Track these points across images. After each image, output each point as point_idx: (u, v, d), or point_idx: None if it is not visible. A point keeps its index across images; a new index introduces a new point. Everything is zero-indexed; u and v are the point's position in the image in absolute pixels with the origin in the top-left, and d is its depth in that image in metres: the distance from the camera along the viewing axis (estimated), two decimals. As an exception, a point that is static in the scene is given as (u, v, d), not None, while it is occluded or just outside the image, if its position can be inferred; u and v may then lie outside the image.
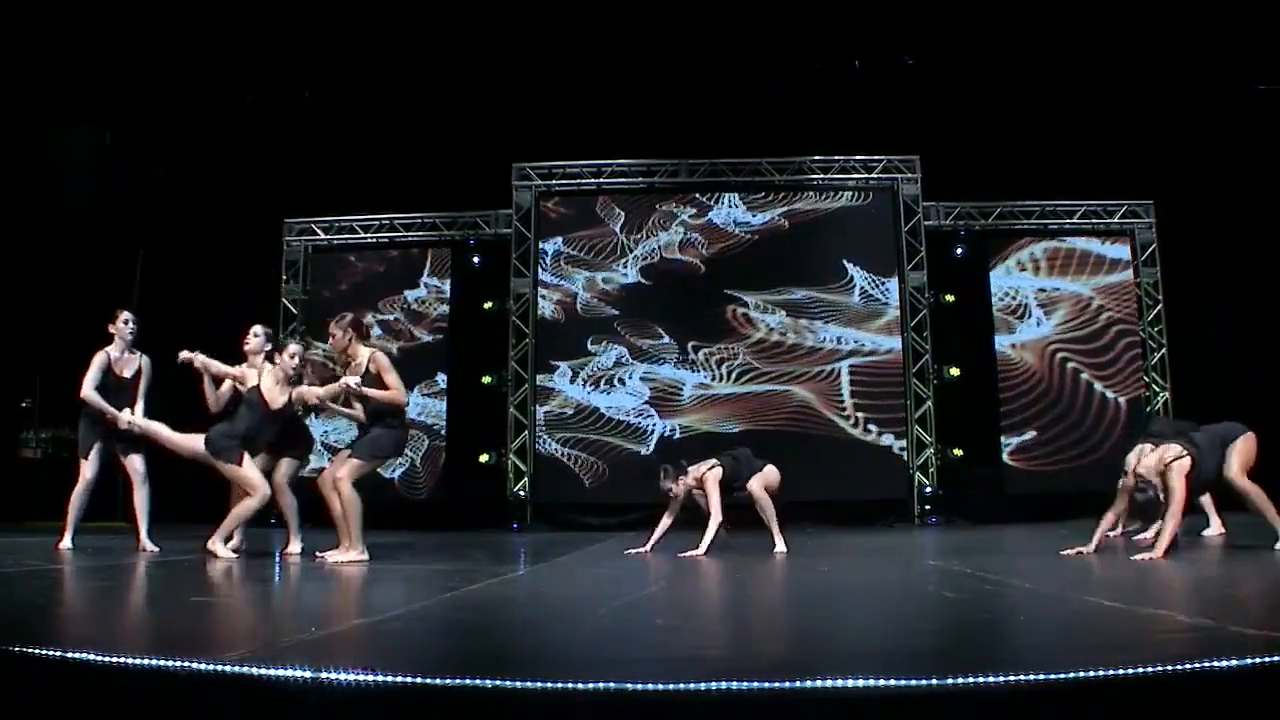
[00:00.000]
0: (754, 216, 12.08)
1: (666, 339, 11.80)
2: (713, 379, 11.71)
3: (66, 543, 6.35)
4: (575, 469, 11.64)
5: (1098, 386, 11.64)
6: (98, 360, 6.49)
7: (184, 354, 6.01)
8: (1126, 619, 2.89)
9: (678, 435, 11.52)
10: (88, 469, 6.50)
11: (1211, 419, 5.67)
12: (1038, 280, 12.01)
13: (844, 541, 7.99)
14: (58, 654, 2.14)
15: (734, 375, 11.71)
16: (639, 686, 1.86)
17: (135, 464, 6.57)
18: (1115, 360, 11.74)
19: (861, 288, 11.79)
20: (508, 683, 1.88)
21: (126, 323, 6.67)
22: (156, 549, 6.28)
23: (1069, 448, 11.45)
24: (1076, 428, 11.53)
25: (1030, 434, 11.57)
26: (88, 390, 6.44)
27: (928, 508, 11.25)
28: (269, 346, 6.28)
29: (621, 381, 11.77)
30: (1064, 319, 11.86)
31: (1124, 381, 11.68)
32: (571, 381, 11.84)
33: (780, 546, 6.40)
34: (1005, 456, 11.57)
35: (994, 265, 12.04)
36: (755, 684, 1.83)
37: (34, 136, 11.06)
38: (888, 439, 11.53)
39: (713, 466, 6.61)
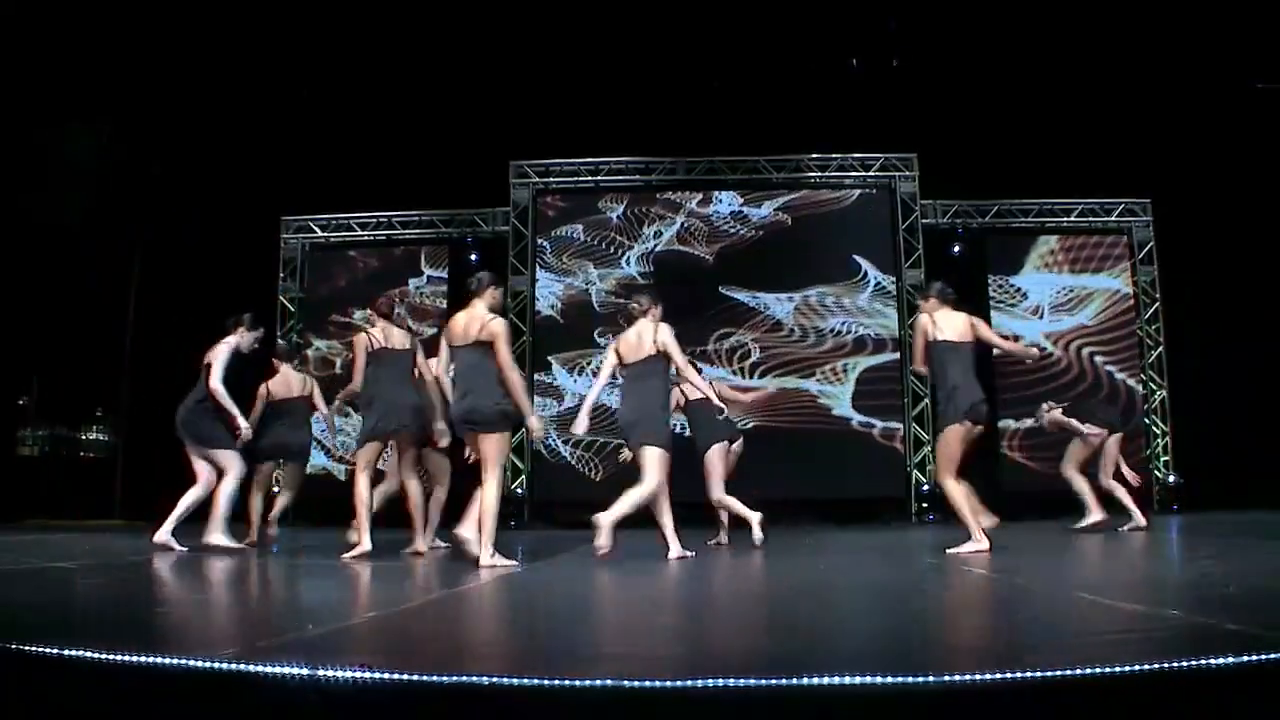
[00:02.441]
0: (757, 209, 12.05)
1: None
2: (722, 376, 11.71)
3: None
4: (573, 466, 11.63)
5: (1120, 377, 11.64)
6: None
7: None
8: (1124, 616, 2.89)
9: (686, 434, 11.48)
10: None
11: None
12: (1063, 278, 12.00)
13: (842, 539, 7.99)
14: (56, 652, 2.14)
15: (739, 372, 11.69)
16: (636, 684, 1.85)
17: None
18: (1128, 349, 11.77)
19: (876, 282, 11.81)
20: (505, 680, 1.87)
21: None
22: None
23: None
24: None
25: (1028, 423, 11.54)
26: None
27: (925, 505, 11.26)
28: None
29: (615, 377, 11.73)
30: (1095, 312, 11.86)
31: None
32: (572, 379, 11.81)
33: (757, 533, 6.52)
34: (1008, 447, 11.55)
35: (1022, 263, 12.07)
36: (753, 682, 1.83)
37: (31, 134, 11.03)
38: (887, 436, 11.52)
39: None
